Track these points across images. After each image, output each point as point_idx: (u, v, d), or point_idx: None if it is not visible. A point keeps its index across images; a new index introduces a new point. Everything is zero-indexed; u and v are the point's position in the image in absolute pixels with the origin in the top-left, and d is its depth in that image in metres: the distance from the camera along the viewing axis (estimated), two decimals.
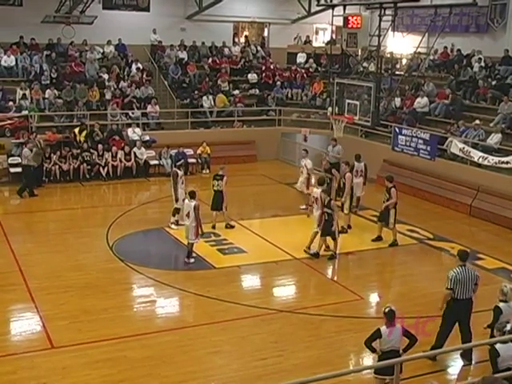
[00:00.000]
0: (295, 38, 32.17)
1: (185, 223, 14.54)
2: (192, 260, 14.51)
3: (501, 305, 9.37)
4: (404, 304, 12.05)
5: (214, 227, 16.71)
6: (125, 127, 24.04)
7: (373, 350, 8.65)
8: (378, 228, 16.35)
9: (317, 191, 15.24)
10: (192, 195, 14.43)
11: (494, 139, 19.91)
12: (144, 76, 26.27)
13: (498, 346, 8.06)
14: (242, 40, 32.31)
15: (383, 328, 8.50)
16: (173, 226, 16.77)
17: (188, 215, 14.28)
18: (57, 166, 21.43)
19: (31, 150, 19.85)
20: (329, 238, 15.12)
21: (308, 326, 11.68)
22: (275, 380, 9.39)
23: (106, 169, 22.11)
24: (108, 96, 24.77)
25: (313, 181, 18.53)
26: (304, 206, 18.57)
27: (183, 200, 15.94)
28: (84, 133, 22.72)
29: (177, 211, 16.80)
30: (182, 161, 22.31)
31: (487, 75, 24.09)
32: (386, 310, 8.61)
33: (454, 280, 9.96)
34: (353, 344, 10.81)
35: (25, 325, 11.40)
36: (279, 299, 13.20)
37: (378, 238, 16.30)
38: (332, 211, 14.67)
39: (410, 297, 12.98)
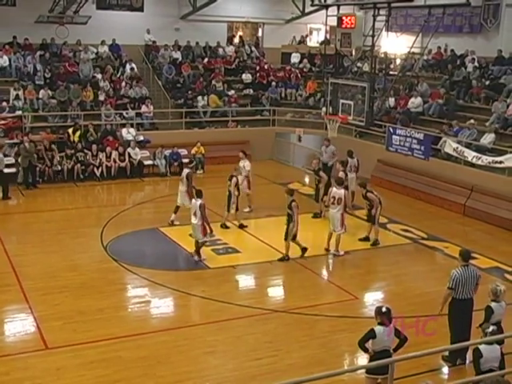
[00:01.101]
0: (305, 36, 32.29)
1: (192, 222, 14.53)
2: (204, 257, 14.61)
3: (492, 304, 9.38)
4: (399, 304, 12.08)
5: (241, 226, 17.07)
6: (119, 127, 24.00)
7: (365, 351, 8.63)
8: (368, 228, 16.39)
9: (337, 191, 15.29)
10: (199, 194, 14.56)
11: (488, 139, 19.96)
12: (134, 82, 25.95)
13: (481, 347, 8.06)
14: (237, 40, 32.32)
15: (378, 328, 8.45)
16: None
17: (195, 214, 14.36)
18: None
19: (4, 155, 19.96)
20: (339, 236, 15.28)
21: (302, 325, 11.70)
22: (270, 380, 9.40)
23: (100, 169, 22.08)
24: (102, 96, 24.73)
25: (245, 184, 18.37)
26: (248, 209, 18.50)
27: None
28: (78, 133, 22.67)
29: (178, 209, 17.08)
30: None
31: (481, 75, 24.17)
32: (383, 309, 8.52)
33: (456, 280, 9.98)
34: (347, 344, 10.82)
35: (19, 325, 11.37)
36: (274, 299, 13.23)
37: (366, 239, 16.32)
38: (292, 212, 14.55)
39: (404, 296, 13.01)
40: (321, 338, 11.21)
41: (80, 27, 26.59)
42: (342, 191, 15.33)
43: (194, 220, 14.44)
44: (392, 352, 8.54)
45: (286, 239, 14.79)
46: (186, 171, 17.34)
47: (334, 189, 15.50)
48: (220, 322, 11.62)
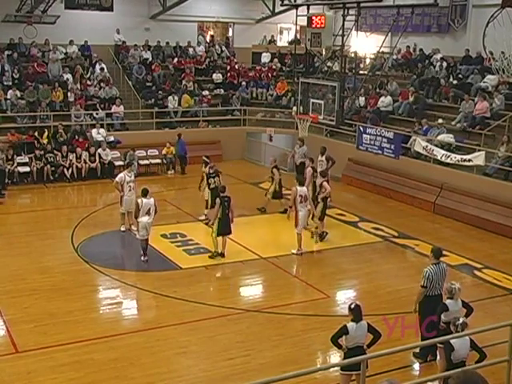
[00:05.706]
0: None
1: (142, 220, 14.36)
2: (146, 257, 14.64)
3: (447, 302, 9.49)
4: (370, 301, 12.16)
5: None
6: (89, 128, 23.81)
7: (339, 347, 8.70)
8: (319, 226, 16.35)
9: (302, 189, 15.33)
10: (146, 192, 14.50)
11: (447, 139, 20.25)
12: (102, 84, 25.80)
13: (452, 340, 8.19)
14: (208, 39, 32.29)
15: (350, 324, 8.54)
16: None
17: (149, 213, 14.36)
18: (19, 168, 21.21)
19: None
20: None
21: (275, 325, 11.71)
22: (243, 380, 9.40)
23: (70, 170, 21.87)
24: (71, 97, 24.48)
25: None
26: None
27: None
28: (46, 134, 22.41)
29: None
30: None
31: (449, 74, 24.43)
32: (352, 305, 8.66)
33: (428, 278, 10.08)
34: (320, 342, 10.86)
35: None
36: (246, 299, 13.23)
37: (322, 234, 16.30)
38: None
39: (375, 294, 13.09)
40: (293, 336, 11.23)
41: (48, 27, 26.31)
42: (305, 188, 15.45)
43: (148, 219, 14.38)
44: (365, 348, 8.61)
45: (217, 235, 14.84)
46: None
47: (299, 188, 15.38)
48: (192, 323, 11.59)
